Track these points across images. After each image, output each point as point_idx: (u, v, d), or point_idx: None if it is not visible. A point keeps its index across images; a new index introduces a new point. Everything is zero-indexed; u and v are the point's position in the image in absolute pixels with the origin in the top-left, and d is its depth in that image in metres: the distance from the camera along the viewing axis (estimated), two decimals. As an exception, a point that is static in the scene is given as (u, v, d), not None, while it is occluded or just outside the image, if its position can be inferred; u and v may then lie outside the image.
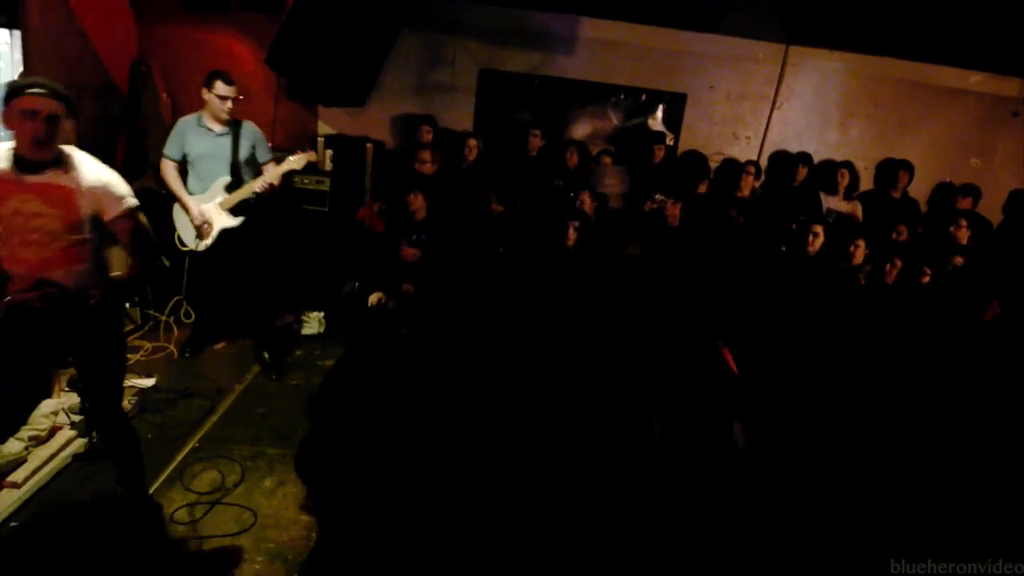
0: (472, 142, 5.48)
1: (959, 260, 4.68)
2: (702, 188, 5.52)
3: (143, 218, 2.47)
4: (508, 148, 5.73)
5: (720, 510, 3.16)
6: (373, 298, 4.75)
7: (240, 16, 5.62)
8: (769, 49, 5.90)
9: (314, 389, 4.20)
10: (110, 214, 2.36)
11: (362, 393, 4.16)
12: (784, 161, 5.95)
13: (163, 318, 4.65)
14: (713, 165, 6.07)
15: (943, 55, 5.79)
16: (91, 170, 2.32)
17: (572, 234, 4.62)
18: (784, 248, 4.98)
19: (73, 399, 3.41)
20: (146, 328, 4.65)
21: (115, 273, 2.58)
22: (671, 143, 6.08)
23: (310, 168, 4.64)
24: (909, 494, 3.35)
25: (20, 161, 2.19)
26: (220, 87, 3.92)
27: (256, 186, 4.07)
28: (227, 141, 4.03)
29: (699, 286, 4.58)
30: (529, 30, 5.83)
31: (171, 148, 4.03)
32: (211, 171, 4.05)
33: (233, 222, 4.09)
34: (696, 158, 5.97)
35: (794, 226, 4.97)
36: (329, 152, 5.51)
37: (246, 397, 4.01)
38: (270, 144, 4.44)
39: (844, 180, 5.63)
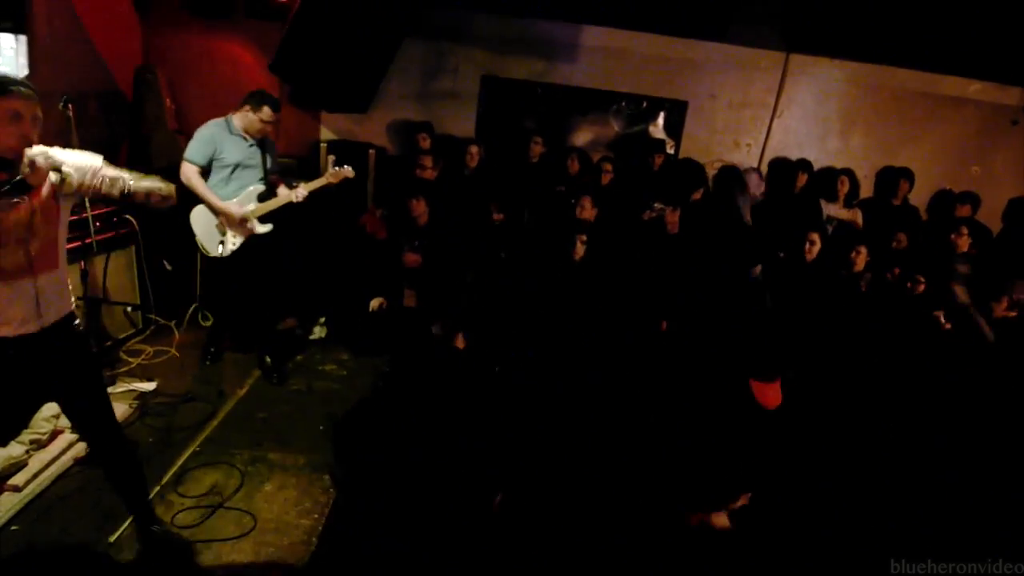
0: (474, 149, 5.51)
1: (964, 269, 4.68)
2: (697, 196, 5.52)
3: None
4: (510, 155, 5.76)
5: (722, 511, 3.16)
6: (375, 303, 4.77)
7: (245, 23, 5.66)
8: (770, 57, 5.93)
9: (315, 394, 4.20)
10: (95, 183, 2.20)
11: (364, 398, 4.17)
12: (784, 168, 5.97)
13: (163, 321, 4.66)
14: (712, 172, 6.09)
15: (943, 64, 5.82)
16: (53, 153, 2.08)
17: (580, 248, 4.62)
18: (782, 255, 4.99)
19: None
20: (147, 332, 4.66)
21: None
22: (671, 151, 6.11)
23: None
24: (909, 494, 3.35)
25: None
26: (267, 113, 3.91)
27: (291, 197, 4.09)
28: (258, 152, 4.04)
29: (699, 292, 4.58)
30: (531, 38, 5.87)
31: (198, 154, 3.90)
32: (245, 179, 4.03)
33: (263, 229, 4.11)
34: (692, 166, 5.98)
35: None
36: (332, 158, 5.54)
37: (247, 401, 4.02)
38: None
39: (844, 187, 5.64)
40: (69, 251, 2.44)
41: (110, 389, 2.92)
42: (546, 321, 4.44)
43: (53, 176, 2.06)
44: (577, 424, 3.77)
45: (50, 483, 3.05)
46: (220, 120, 3.99)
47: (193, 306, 4.76)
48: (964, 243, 5.05)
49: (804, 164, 5.78)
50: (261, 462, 3.41)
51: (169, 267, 4.71)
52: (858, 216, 5.67)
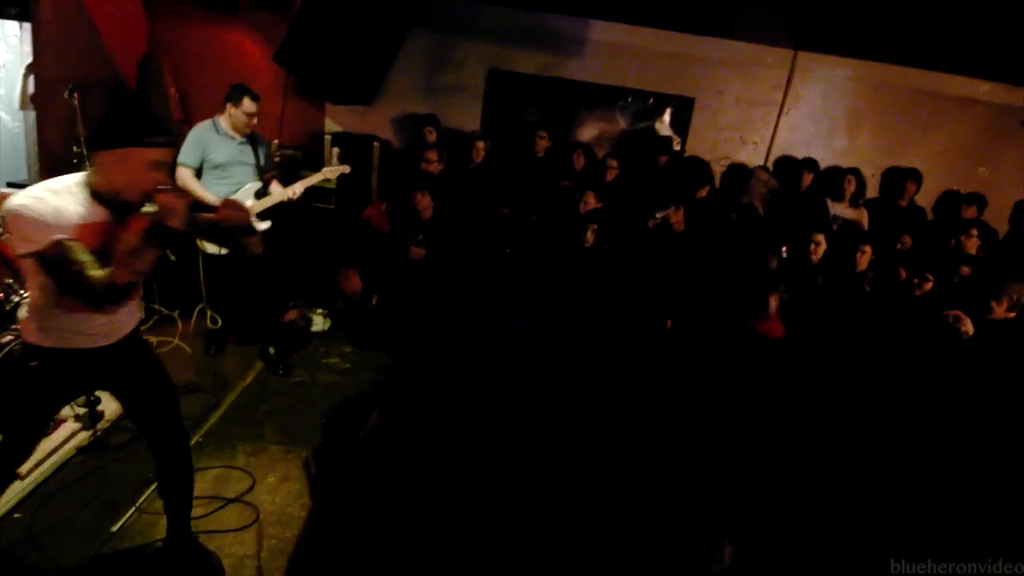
0: (480, 144, 5.49)
1: (965, 270, 4.65)
2: (702, 193, 5.50)
3: None
4: (515, 149, 5.74)
5: (721, 510, 3.16)
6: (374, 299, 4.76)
7: (250, 13, 5.63)
8: (778, 54, 5.90)
9: (318, 386, 4.20)
10: None
11: (366, 391, 4.16)
12: (790, 167, 5.94)
13: (167, 312, 4.65)
14: (720, 170, 6.07)
15: (952, 64, 5.78)
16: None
17: (591, 236, 4.62)
18: (785, 251, 4.97)
19: (78, 392, 3.41)
20: (151, 322, 4.65)
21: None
22: (678, 147, 6.08)
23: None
24: (909, 494, 3.34)
25: (112, 203, 2.05)
26: (248, 104, 3.94)
27: (288, 194, 4.10)
28: (249, 150, 4.07)
29: (704, 289, 4.58)
30: (538, 32, 5.84)
31: (190, 156, 3.96)
32: (239, 177, 4.05)
33: (262, 226, 4.11)
34: (697, 163, 5.96)
35: (898, 247, 4.92)
36: (336, 150, 5.50)
37: (250, 393, 4.02)
38: (276, 141, 4.46)
39: (850, 187, 5.61)
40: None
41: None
42: (553, 310, 4.44)
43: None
44: (582, 422, 3.78)
45: (53, 472, 3.05)
46: (208, 122, 4.04)
47: (200, 306, 4.72)
48: (973, 245, 5.02)
49: (810, 163, 5.75)
50: (264, 453, 3.40)
51: (173, 257, 4.69)
52: (864, 216, 5.64)
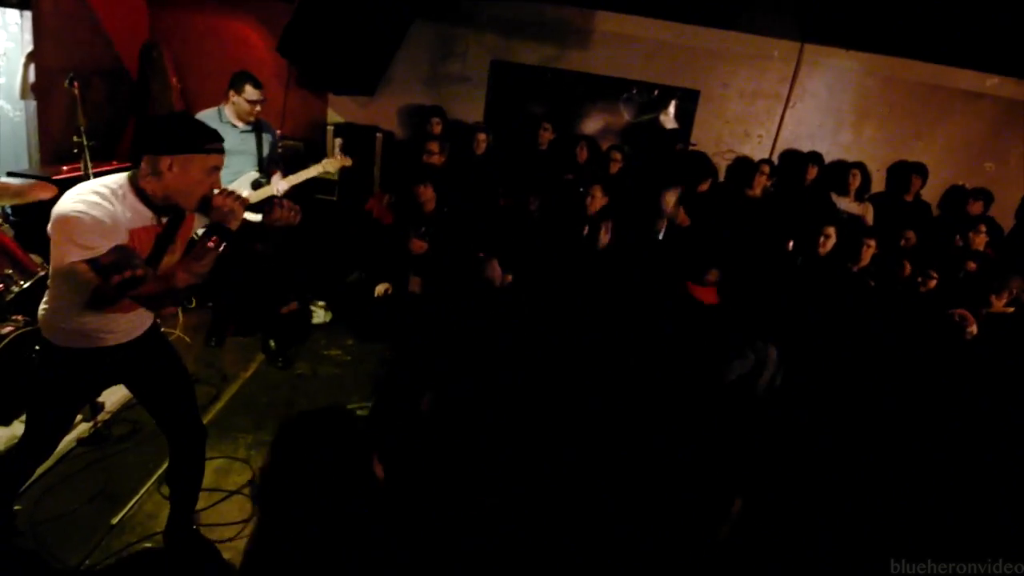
0: (481, 136, 5.46)
1: (972, 266, 4.62)
2: (704, 186, 5.47)
3: None
4: (518, 141, 5.70)
5: (722, 510, 3.15)
6: (380, 289, 4.75)
7: (252, 2, 5.59)
8: (784, 47, 5.84)
9: (319, 379, 4.18)
10: None
11: (368, 383, 4.15)
12: (795, 160, 5.91)
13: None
14: (725, 163, 6.04)
15: (960, 57, 5.72)
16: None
17: (605, 236, 4.60)
18: (791, 245, 4.94)
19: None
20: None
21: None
22: (694, 145, 6.02)
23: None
24: (909, 494, 3.34)
25: (153, 204, 2.04)
26: (250, 91, 3.89)
27: (272, 190, 4.06)
28: (252, 139, 4.03)
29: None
30: (542, 22, 5.79)
31: None
32: (237, 166, 4.01)
33: (254, 218, 4.07)
34: (699, 156, 5.91)
35: (903, 243, 4.91)
36: (338, 141, 5.49)
37: (251, 385, 4.00)
38: (279, 132, 4.42)
39: (856, 181, 5.57)
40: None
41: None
42: (561, 305, 4.43)
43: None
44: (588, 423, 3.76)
45: (54, 463, 3.04)
46: (212, 110, 4.01)
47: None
48: (981, 241, 4.99)
49: (815, 157, 5.71)
50: (264, 446, 3.40)
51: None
52: (868, 211, 5.61)
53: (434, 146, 5.20)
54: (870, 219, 5.55)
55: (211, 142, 2.04)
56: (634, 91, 6.00)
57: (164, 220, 2.10)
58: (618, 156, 5.44)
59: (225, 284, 4.44)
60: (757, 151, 6.06)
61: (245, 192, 4.01)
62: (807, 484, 3.34)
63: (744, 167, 5.86)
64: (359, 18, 5.02)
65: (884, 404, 3.94)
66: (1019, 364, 3.97)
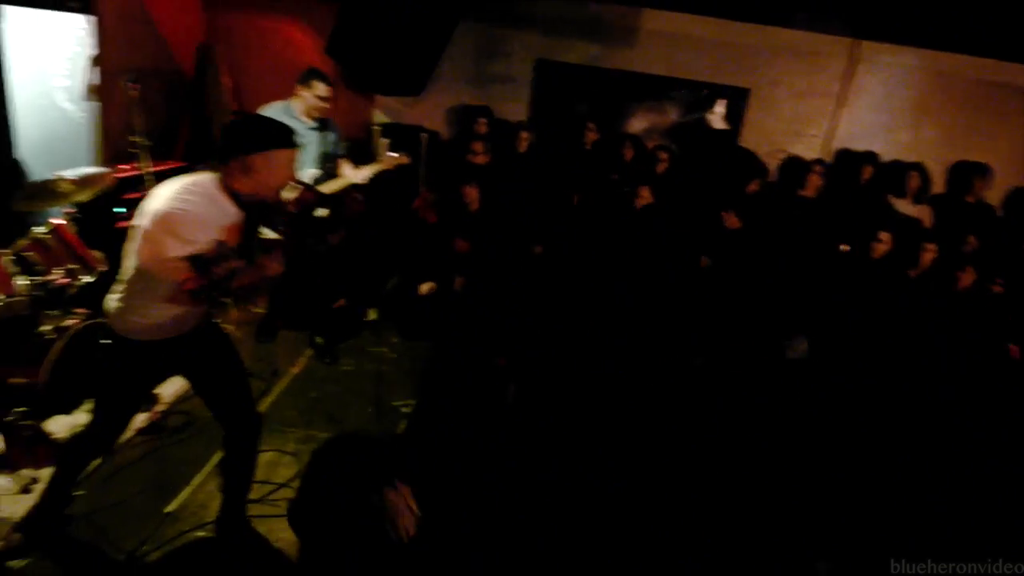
0: (524, 134, 5.45)
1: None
2: (753, 187, 5.35)
3: None
4: (563, 141, 5.68)
5: (723, 510, 3.10)
6: (424, 287, 4.77)
7: (302, 4, 5.69)
8: (838, 44, 5.68)
9: (365, 375, 4.23)
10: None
11: (413, 381, 4.18)
12: (849, 161, 5.73)
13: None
14: (775, 163, 5.90)
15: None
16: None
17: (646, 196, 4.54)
18: (846, 248, 4.80)
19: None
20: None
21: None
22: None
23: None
24: (909, 494, 3.31)
25: (241, 202, 2.13)
26: (320, 88, 3.90)
27: (355, 178, 4.12)
28: (316, 135, 4.04)
29: (759, 288, 4.46)
30: (588, 21, 5.76)
31: None
32: (301, 163, 4.06)
33: (319, 213, 4.14)
34: (747, 156, 5.79)
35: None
36: (385, 141, 5.53)
37: (300, 380, 4.07)
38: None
39: (914, 183, 5.38)
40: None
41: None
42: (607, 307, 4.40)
43: None
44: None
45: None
46: (281, 103, 4.00)
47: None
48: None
49: (870, 157, 5.53)
50: (312, 441, 3.44)
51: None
52: (927, 214, 5.40)
53: (479, 146, 5.22)
54: (929, 222, 5.36)
55: (293, 136, 2.17)
56: (681, 90, 5.91)
57: (252, 213, 2.20)
58: (664, 156, 5.37)
59: (278, 280, 4.52)
60: (809, 151, 5.90)
61: None
62: (807, 484, 3.30)
63: (796, 167, 5.72)
64: (406, 20, 5.06)
65: (894, 407, 3.87)
66: None
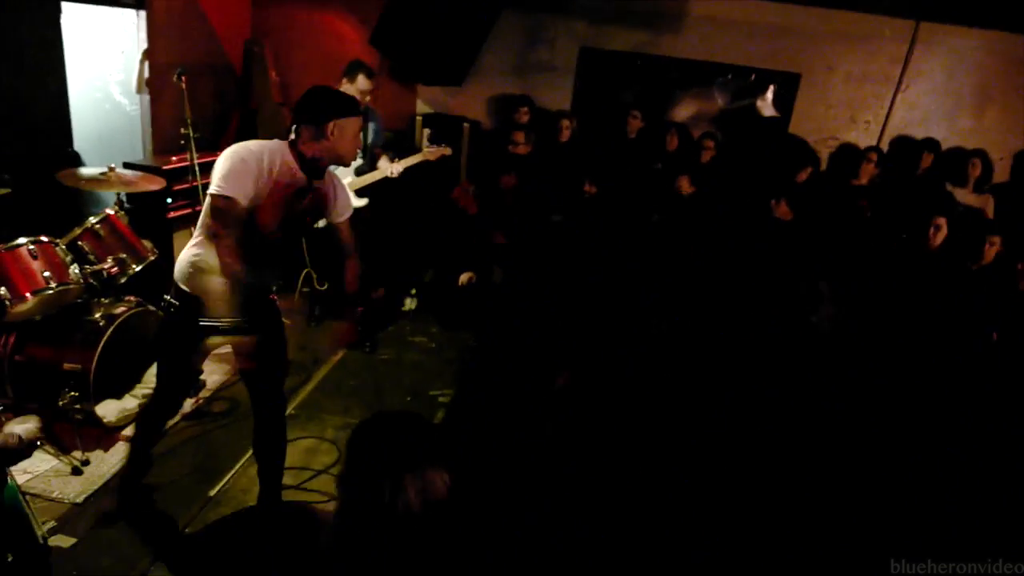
0: (566, 122, 5.39)
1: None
2: (803, 176, 5.16)
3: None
4: (606, 129, 5.59)
5: (722, 510, 3.03)
6: (464, 278, 4.78)
7: (347, -3, 5.74)
8: (896, 26, 5.42)
9: (404, 365, 4.26)
10: (341, 219, 2.59)
11: (451, 371, 4.20)
12: (907, 148, 5.49)
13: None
14: (827, 151, 5.69)
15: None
16: (339, 176, 2.56)
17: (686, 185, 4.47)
18: (904, 237, 4.60)
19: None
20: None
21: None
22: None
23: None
24: (909, 494, 3.24)
25: (308, 166, 2.28)
26: (363, 81, 4.00)
27: (387, 172, 4.17)
28: None
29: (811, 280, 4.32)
30: (633, 8, 5.63)
31: None
32: None
33: (359, 203, 4.21)
34: (798, 144, 5.58)
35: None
36: (427, 131, 5.55)
37: (339, 369, 4.13)
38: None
39: (975, 171, 5.12)
40: (189, 217, 2.57)
41: (214, 352, 3.08)
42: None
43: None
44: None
45: (159, 436, 3.24)
46: None
47: (305, 271, 4.87)
48: None
49: (930, 144, 5.28)
50: (351, 428, 3.47)
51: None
52: (989, 204, 5.14)
53: (520, 136, 5.18)
54: (990, 212, 5.09)
55: (358, 106, 2.35)
56: (729, 76, 5.74)
57: (316, 182, 2.34)
58: (710, 144, 5.23)
59: (327, 269, 4.61)
60: (863, 138, 5.67)
61: (348, 179, 4.14)
62: (808, 483, 3.23)
63: (849, 155, 5.51)
64: (450, 9, 5.05)
65: (896, 406, 3.76)
66: None
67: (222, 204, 2.08)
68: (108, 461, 3.00)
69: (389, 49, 5.51)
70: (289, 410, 3.57)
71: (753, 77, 5.71)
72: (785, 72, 5.66)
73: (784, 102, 5.72)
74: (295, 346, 4.28)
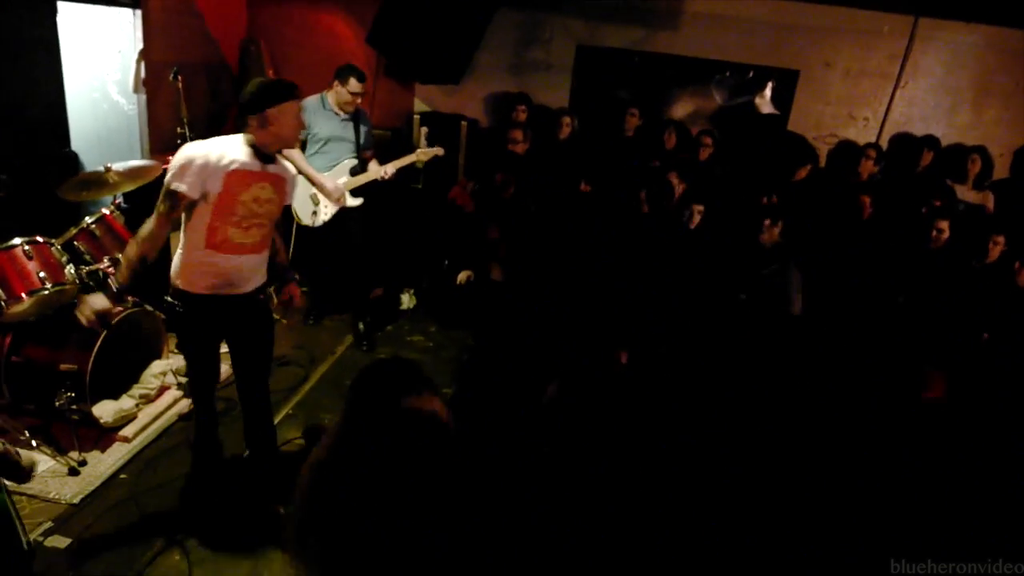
0: (566, 119, 5.37)
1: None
2: (802, 174, 5.14)
3: None
4: (604, 127, 5.57)
5: (722, 510, 3.01)
6: (462, 276, 4.77)
7: (343, -4, 5.73)
8: (895, 21, 5.40)
9: (402, 364, 4.25)
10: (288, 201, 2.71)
11: (449, 370, 4.19)
12: (907, 145, 5.47)
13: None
14: (826, 148, 5.67)
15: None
16: (288, 160, 2.68)
17: (696, 217, 4.46)
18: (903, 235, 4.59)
19: (180, 361, 3.60)
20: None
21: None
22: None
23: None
24: (909, 494, 3.25)
25: (260, 153, 2.45)
26: (354, 84, 4.01)
27: (379, 174, 4.18)
28: (351, 126, 4.16)
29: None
30: (630, 5, 5.61)
31: None
32: (337, 153, 4.16)
33: (354, 203, 4.22)
34: (796, 141, 5.56)
35: (925, 210, 4.57)
36: (424, 130, 5.54)
37: (337, 367, 4.13)
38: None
39: (975, 167, 5.10)
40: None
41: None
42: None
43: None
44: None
45: (156, 436, 3.24)
46: (316, 96, 4.13)
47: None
48: None
49: (930, 141, 5.26)
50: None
51: None
52: (989, 200, 5.12)
53: (517, 134, 5.16)
54: (990, 208, 5.08)
55: (296, 89, 2.47)
56: (727, 73, 5.72)
57: (269, 167, 2.49)
58: (708, 141, 5.22)
59: (320, 267, 4.62)
60: (862, 134, 5.65)
61: (343, 179, 4.15)
62: (808, 483, 3.23)
63: (848, 152, 5.50)
64: (446, 7, 5.04)
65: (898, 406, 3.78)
66: None
67: (166, 197, 2.36)
68: (105, 461, 3.00)
69: (385, 48, 5.49)
70: (287, 409, 3.58)
71: (751, 74, 5.69)
72: (783, 68, 5.64)
73: (782, 99, 5.70)
74: (292, 345, 4.30)
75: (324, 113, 4.10)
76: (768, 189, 4.80)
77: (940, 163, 5.23)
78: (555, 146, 5.37)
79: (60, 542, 2.53)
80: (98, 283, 3.25)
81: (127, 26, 4.90)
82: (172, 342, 3.79)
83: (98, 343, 3.01)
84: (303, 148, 4.12)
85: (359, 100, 4.09)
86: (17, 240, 2.95)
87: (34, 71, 4.04)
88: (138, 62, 4.86)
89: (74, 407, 2.98)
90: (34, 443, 2.97)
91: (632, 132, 5.47)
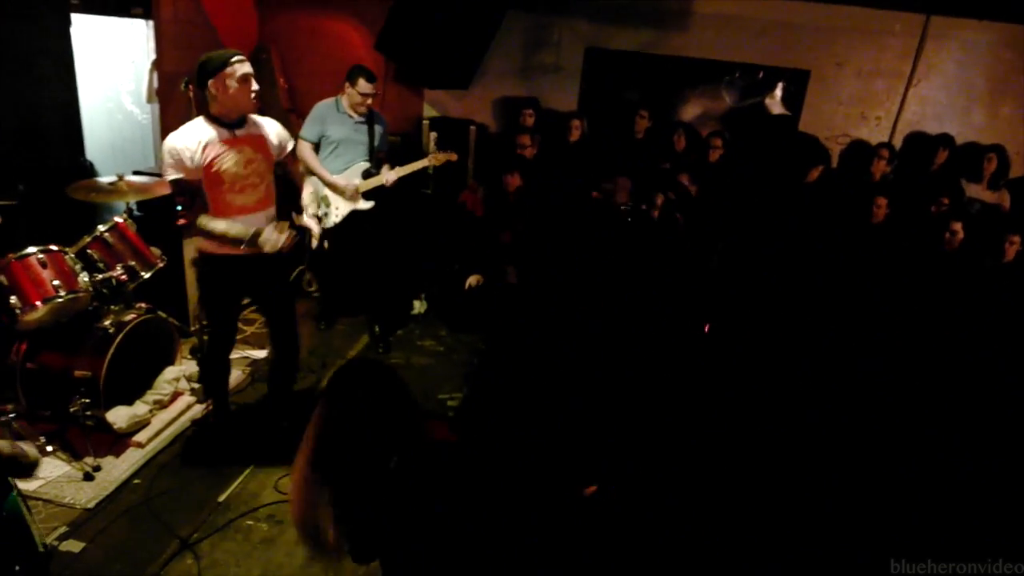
0: (576, 123, 5.36)
1: None
2: (814, 175, 5.10)
3: None
4: (614, 130, 5.56)
5: (722, 510, 3.01)
6: (472, 280, 4.78)
7: (353, 2, 5.76)
8: (907, 20, 5.35)
9: (412, 368, 4.26)
10: (285, 153, 2.97)
11: (460, 374, 4.19)
12: (921, 144, 5.41)
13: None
14: (838, 148, 5.62)
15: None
16: (263, 119, 2.90)
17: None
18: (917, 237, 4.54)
19: (193, 367, 3.63)
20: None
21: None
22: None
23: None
24: (909, 494, 3.23)
25: (224, 123, 2.69)
26: (363, 85, 4.02)
27: (382, 180, 4.19)
28: (364, 129, 4.17)
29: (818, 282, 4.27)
30: (639, 7, 5.60)
31: (310, 131, 4.14)
32: (350, 155, 4.18)
33: (366, 205, 4.24)
34: (808, 142, 5.52)
35: (934, 209, 4.51)
36: (433, 135, 5.56)
37: (349, 372, 4.13)
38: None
39: (991, 166, 5.04)
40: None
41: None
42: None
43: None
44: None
45: (170, 442, 3.26)
46: (331, 100, 4.16)
47: (299, 269, 4.92)
48: None
49: (945, 139, 5.19)
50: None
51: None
52: (1005, 199, 5.05)
53: (525, 139, 5.17)
54: (1007, 207, 5.01)
55: (232, 57, 2.63)
56: (737, 74, 5.69)
57: (238, 132, 2.74)
58: (718, 143, 5.19)
59: (334, 271, 4.65)
60: (875, 134, 5.60)
61: (356, 180, 4.17)
62: (808, 483, 3.21)
63: (860, 152, 5.45)
64: (454, 12, 5.05)
65: (898, 404, 3.75)
66: None
67: (171, 187, 2.67)
68: (119, 467, 3.03)
69: (394, 53, 5.52)
70: (298, 414, 3.59)
71: (761, 74, 5.66)
72: (794, 69, 5.60)
73: (793, 99, 5.66)
74: (304, 349, 4.31)
75: (338, 116, 4.12)
76: (780, 189, 4.78)
77: (955, 162, 5.17)
78: (565, 149, 5.36)
79: (75, 546, 2.56)
80: (111, 291, 3.29)
81: (140, 37, 4.96)
82: (185, 348, 3.83)
83: (112, 349, 3.05)
84: (316, 151, 4.17)
85: (370, 101, 4.09)
86: (31, 249, 2.99)
87: (49, 82, 4.09)
88: (151, 72, 4.92)
89: (88, 413, 3.01)
90: (49, 448, 3.00)
91: (642, 134, 5.45)
